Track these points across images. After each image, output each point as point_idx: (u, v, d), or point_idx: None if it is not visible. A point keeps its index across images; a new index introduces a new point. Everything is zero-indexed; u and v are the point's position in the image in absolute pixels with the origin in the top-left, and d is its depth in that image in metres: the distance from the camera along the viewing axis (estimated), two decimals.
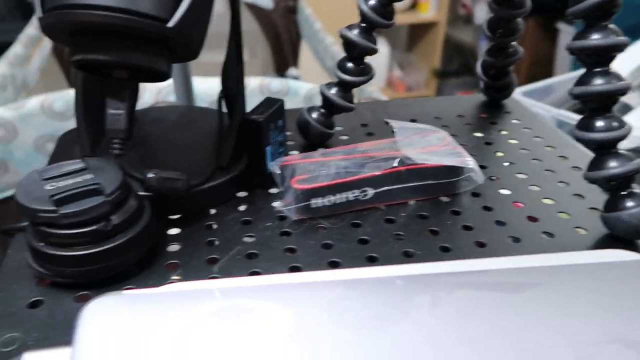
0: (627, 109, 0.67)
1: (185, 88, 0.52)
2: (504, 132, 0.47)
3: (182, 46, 0.30)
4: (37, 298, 0.29)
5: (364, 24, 0.39)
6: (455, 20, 2.41)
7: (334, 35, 1.33)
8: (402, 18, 2.16)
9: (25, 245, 0.32)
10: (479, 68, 0.48)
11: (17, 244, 0.33)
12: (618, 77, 0.32)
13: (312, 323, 0.23)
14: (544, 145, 0.45)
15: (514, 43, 0.45)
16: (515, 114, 0.50)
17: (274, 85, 0.79)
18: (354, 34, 0.39)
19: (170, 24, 0.28)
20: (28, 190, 0.29)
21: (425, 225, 0.35)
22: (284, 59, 1.61)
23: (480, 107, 0.51)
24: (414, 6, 2.19)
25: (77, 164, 0.31)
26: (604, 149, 0.33)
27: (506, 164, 0.42)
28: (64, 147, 0.43)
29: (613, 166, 0.33)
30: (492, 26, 0.44)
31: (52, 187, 0.29)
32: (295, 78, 1.52)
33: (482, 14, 2.22)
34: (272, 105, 0.38)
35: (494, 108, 0.51)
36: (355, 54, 0.40)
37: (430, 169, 0.36)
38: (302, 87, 0.80)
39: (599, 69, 0.32)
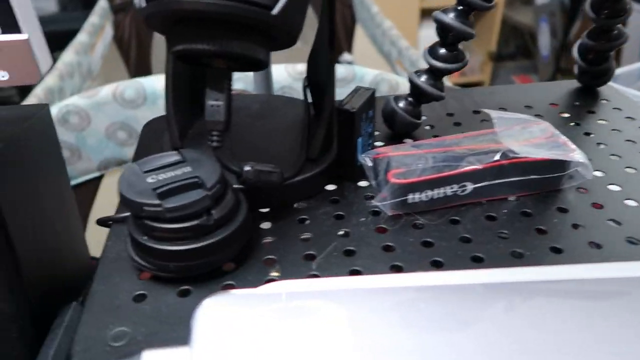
0: None
1: (265, 76, 0.52)
2: (604, 122, 0.44)
3: (284, 33, 0.29)
4: (141, 292, 0.29)
5: (461, 7, 0.37)
6: (513, 0, 2.31)
7: (390, 19, 1.29)
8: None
9: (124, 237, 0.32)
10: (575, 51, 0.45)
11: (115, 235, 0.33)
12: None
13: (424, 328, 0.22)
14: None
15: (619, 25, 0.42)
16: (615, 101, 0.46)
17: (340, 71, 0.77)
18: (450, 18, 0.37)
19: (275, 11, 0.27)
20: (131, 182, 0.29)
21: (531, 224, 0.33)
22: (337, 44, 1.58)
23: (574, 94, 0.48)
24: None
25: (175, 156, 0.31)
26: None
27: (613, 157, 0.39)
28: (151, 137, 0.43)
29: None
30: (597, 6, 0.41)
31: (153, 180, 0.29)
32: (349, 63, 1.50)
33: None
34: (364, 95, 0.36)
35: (589, 95, 0.47)
36: (450, 39, 0.38)
37: (535, 163, 0.34)
38: (369, 74, 0.77)
39: None
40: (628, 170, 0.38)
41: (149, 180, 0.29)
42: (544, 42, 2.15)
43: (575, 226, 0.33)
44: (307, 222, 0.34)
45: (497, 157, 0.34)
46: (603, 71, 0.46)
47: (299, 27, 0.30)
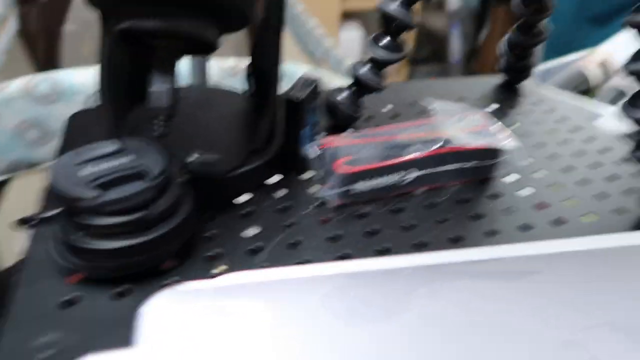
0: (622, 96, 0.68)
1: (200, 66, 0.49)
2: (526, 114, 0.46)
3: (234, 13, 0.28)
4: (71, 295, 0.27)
5: None
6: (427, 6, 2.41)
7: (315, 19, 1.30)
8: (375, 4, 2.14)
9: (49, 237, 0.29)
10: (503, 46, 0.47)
11: (39, 236, 0.30)
12: None
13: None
14: (571, 126, 0.45)
15: (543, 22, 0.44)
16: (535, 95, 0.49)
17: None
18: (393, 7, 0.37)
19: None
20: (64, 175, 0.26)
21: (468, 210, 0.34)
22: None
23: (499, 88, 0.50)
24: None
25: (113, 145, 0.28)
26: None
27: (535, 147, 0.41)
28: (77, 130, 0.40)
29: None
30: (527, 1, 0.43)
31: (89, 172, 0.27)
32: None
33: (455, 0, 2.23)
34: (309, 85, 0.36)
35: (512, 90, 0.50)
36: (393, 29, 0.38)
37: (473, 151, 0.35)
38: (299, 71, 0.77)
39: None
40: (550, 159, 0.40)
41: (84, 172, 0.27)
42: (456, 47, 2.27)
43: (506, 211, 0.34)
44: (252, 215, 0.33)
45: (438, 145, 0.35)
46: (526, 66, 0.48)
47: (250, 8, 0.29)
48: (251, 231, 0.32)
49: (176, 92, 0.28)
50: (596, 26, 1.44)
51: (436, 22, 2.36)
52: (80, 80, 0.71)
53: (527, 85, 0.51)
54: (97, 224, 0.26)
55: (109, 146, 0.28)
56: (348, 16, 2.09)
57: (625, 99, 0.33)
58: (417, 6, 0.37)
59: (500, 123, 0.38)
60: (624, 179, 0.38)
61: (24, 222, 0.32)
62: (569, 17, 1.40)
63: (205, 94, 0.42)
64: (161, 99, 0.28)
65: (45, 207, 0.32)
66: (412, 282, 0.24)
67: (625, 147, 0.39)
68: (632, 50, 0.33)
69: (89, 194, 0.25)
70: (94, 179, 0.26)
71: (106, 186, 0.26)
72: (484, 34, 1.99)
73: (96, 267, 0.27)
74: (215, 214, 0.33)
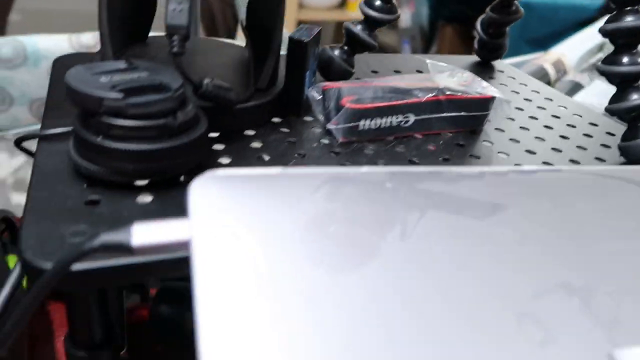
0: (578, 87, 0.74)
1: (193, 18, 0.49)
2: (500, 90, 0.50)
3: None
4: (93, 197, 0.26)
5: None
6: None
7: None
8: (330, 15, 2.20)
9: (55, 154, 0.28)
10: (478, 24, 0.51)
11: (45, 152, 0.29)
12: None
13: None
14: (542, 98, 0.48)
15: (516, 1, 0.48)
16: (507, 73, 0.53)
17: None
18: None
19: None
20: (83, 80, 0.26)
21: (466, 152, 0.37)
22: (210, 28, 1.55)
23: (474, 67, 0.54)
24: (343, 4, 2.24)
25: (124, 64, 0.28)
26: (627, 83, 0.36)
27: (508, 120, 0.45)
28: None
29: (635, 98, 0.36)
30: None
31: (108, 80, 0.26)
32: None
33: (405, 17, 2.33)
34: (313, 30, 0.37)
35: (486, 68, 0.54)
36: None
37: (467, 100, 0.38)
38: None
39: (629, 8, 0.35)
40: (520, 129, 0.43)
41: (103, 80, 0.26)
42: None
43: (500, 153, 0.37)
44: (261, 145, 0.34)
45: (434, 93, 0.37)
46: (499, 45, 0.52)
47: None
48: (260, 159, 0.32)
49: (192, 12, 0.29)
50: (535, 48, 1.54)
51: (388, 38, 2.45)
52: (46, 45, 0.69)
53: (498, 64, 0.55)
54: (122, 125, 0.25)
55: (119, 64, 0.28)
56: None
57: (603, 57, 0.37)
58: None
59: (484, 81, 0.40)
60: (590, 149, 0.41)
61: (22, 140, 0.31)
62: (510, 39, 1.50)
63: (204, 44, 0.43)
64: (178, 17, 0.28)
65: (45, 126, 0.31)
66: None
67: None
68: (582, 50, 0.37)
69: (114, 95, 0.25)
70: (116, 85, 0.26)
71: (128, 93, 0.26)
72: (433, 50, 2.08)
73: (117, 169, 0.26)
74: (225, 144, 0.33)
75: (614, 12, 0.36)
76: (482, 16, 0.51)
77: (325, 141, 0.35)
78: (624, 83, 0.36)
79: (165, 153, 0.27)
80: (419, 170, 0.26)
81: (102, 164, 0.26)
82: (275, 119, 0.37)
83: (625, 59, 0.36)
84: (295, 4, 2.05)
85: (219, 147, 0.33)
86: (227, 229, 0.20)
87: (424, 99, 0.36)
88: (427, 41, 2.16)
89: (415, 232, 0.22)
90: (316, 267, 0.19)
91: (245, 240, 0.19)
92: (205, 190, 0.22)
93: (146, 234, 0.19)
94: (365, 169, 0.25)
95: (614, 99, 0.37)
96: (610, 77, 0.37)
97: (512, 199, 0.25)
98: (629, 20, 0.35)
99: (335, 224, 0.21)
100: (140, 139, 0.26)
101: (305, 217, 0.22)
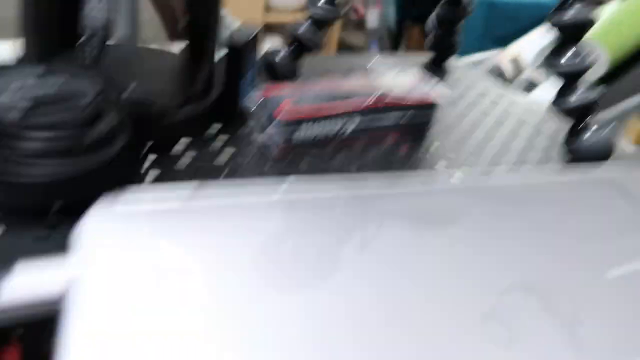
0: (534, 84, 0.74)
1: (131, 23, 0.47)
2: (453, 88, 0.49)
3: None
4: None
5: None
6: (347, 24, 2.50)
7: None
8: (299, 17, 2.18)
9: None
10: (432, 20, 0.50)
11: None
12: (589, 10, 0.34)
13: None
14: (492, 98, 0.47)
15: None
16: (458, 71, 0.52)
17: None
18: None
19: None
20: None
21: (409, 158, 0.35)
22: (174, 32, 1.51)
23: (427, 65, 0.53)
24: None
25: (39, 68, 0.26)
26: (572, 76, 0.35)
27: (460, 115, 0.43)
28: None
29: (580, 93, 0.35)
30: None
31: (16, 93, 0.24)
32: None
33: (373, 18, 2.33)
34: (247, 34, 0.35)
35: (439, 66, 0.53)
36: None
37: (409, 106, 0.36)
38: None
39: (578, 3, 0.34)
40: (467, 130, 0.42)
41: (13, 86, 0.24)
42: None
43: (446, 156, 0.36)
44: (193, 157, 0.32)
45: (376, 97, 0.35)
46: (452, 42, 0.51)
47: None
48: (191, 174, 0.30)
49: (112, 14, 0.27)
50: (500, 46, 1.56)
51: (356, 39, 2.44)
52: None
53: (452, 62, 0.54)
54: (20, 147, 0.23)
55: (34, 69, 0.25)
56: (270, 28, 2.11)
57: (549, 52, 0.36)
58: (337, 24, 0.38)
59: (433, 80, 0.39)
60: (538, 150, 0.40)
61: None
62: (475, 37, 1.50)
63: (136, 52, 0.40)
64: (97, 17, 0.26)
65: None
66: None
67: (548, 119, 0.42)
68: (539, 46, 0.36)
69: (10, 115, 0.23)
70: (20, 101, 0.23)
71: (33, 106, 0.23)
72: (401, 50, 2.08)
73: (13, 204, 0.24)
74: (158, 155, 0.31)
75: (562, 2, 0.35)
76: (433, 13, 0.50)
77: (261, 152, 0.33)
78: (568, 79, 0.35)
79: (70, 179, 0.24)
80: (355, 187, 0.24)
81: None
82: (213, 129, 0.35)
83: (569, 54, 0.35)
84: (262, 7, 2.03)
85: (151, 157, 0.31)
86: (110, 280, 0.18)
87: (362, 107, 0.35)
88: (394, 41, 2.16)
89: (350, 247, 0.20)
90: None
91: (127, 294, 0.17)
92: (93, 233, 0.20)
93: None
94: (285, 189, 0.24)
95: (560, 94, 0.36)
96: (556, 71, 0.36)
97: (458, 206, 0.24)
98: (574, 12, 0.34)
99: (220, 264, 0.19)
100: (42, 162, 0.24)
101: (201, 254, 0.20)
